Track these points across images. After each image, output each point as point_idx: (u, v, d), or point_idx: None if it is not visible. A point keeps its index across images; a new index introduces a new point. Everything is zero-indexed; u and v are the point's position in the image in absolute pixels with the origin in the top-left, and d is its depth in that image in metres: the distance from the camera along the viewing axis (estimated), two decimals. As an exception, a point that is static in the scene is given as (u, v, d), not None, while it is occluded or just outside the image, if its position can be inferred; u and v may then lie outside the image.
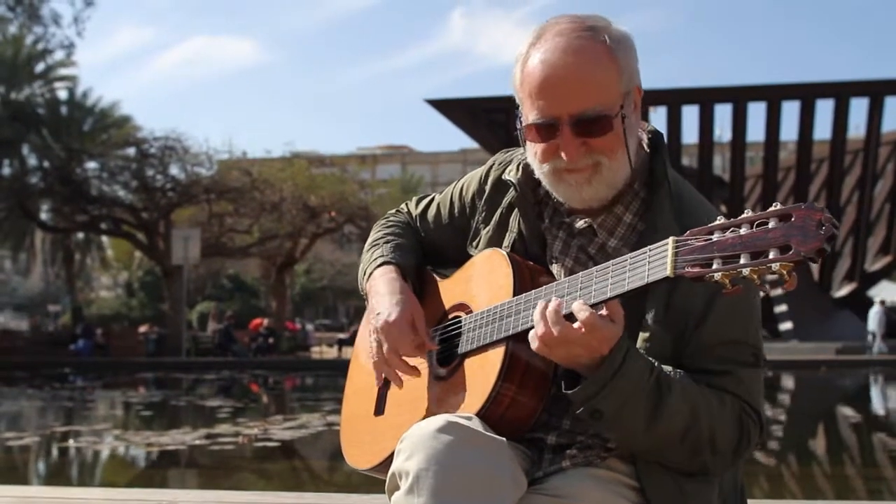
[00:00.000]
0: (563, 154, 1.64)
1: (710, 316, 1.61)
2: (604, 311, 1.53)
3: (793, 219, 1.32)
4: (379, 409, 1.90)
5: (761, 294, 1.52)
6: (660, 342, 1.62)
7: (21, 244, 44.64)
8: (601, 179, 1.66)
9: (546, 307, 1.55)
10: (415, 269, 1.97)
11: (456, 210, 1.97)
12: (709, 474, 1.65)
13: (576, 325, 1.52)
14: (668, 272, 1.41)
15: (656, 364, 1.58)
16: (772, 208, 1.35)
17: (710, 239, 1.38)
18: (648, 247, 1.47)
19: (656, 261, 1.44)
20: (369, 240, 2.04)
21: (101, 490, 3.92)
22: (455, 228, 1.97)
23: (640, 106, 1.71)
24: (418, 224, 2.05)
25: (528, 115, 1.68)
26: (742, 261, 1.33)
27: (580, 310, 1.51)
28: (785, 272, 1.30)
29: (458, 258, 1.92)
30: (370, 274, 1.94)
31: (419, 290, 1.95)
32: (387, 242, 1.98)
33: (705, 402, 1.59)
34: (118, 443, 9.92)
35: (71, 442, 9.80)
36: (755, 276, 1.32)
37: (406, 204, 2.12)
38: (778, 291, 26.78)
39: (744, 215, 1.38)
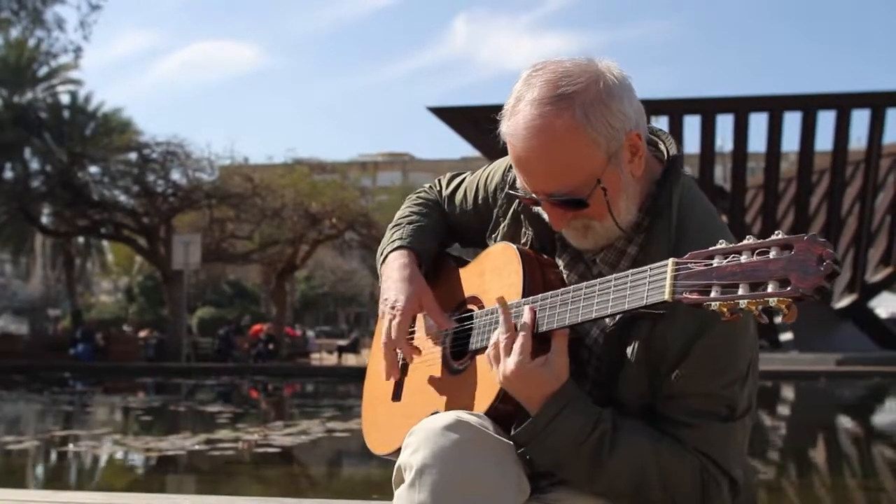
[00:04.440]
0: (551, 222, 1.66)
1: (684, 363, 1.55)
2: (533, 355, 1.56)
3: (794, 251, 1.28)
4: (396, 395, 1.91)
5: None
6: (637, 382, 1.58)
7: (22, 248, 44.69)
8: (596, 236, 1.65)
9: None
10: (434, 253, 1.96)
11: (479, 198, 1.96)
12: None
13: (508, 362, 1.56)
14: (665, 296, 1.38)
15: (605, 419, 1.55)
16: (774, 237, 1.32)
17: (711, 264, 1.35)
18: (650, 266, 1.44)
19: (655, 282, 1.41)
20: (395, 217, 2.03)
21: (101, 494, 3.92)
22: (479, 215, 1.96)
23: (642, 147, 1.63)
24: (445, 205, 2.04)
25: (518, 179, 1.69)
26: (740, 291, 1.30)
27: (504, 357, 1.57)
28: (783, 306, 1.27)
29: (480, 242, 1.92)
30: (385, 256, 1.94)
31: (435, 275, 1.95)
32: (410, 223, 1.97)
33: (657, 462, 1.54)
34: (117, 447, 9.91)
35: (70, 446, 9.79)
36: (753, 308, 1.29)
37: (439, 180, 2.11)
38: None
39: (745, 241, 1.34)
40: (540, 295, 1.62)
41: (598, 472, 1.53)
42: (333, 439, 10.15)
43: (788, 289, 1.26)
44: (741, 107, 25.12)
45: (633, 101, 1.63)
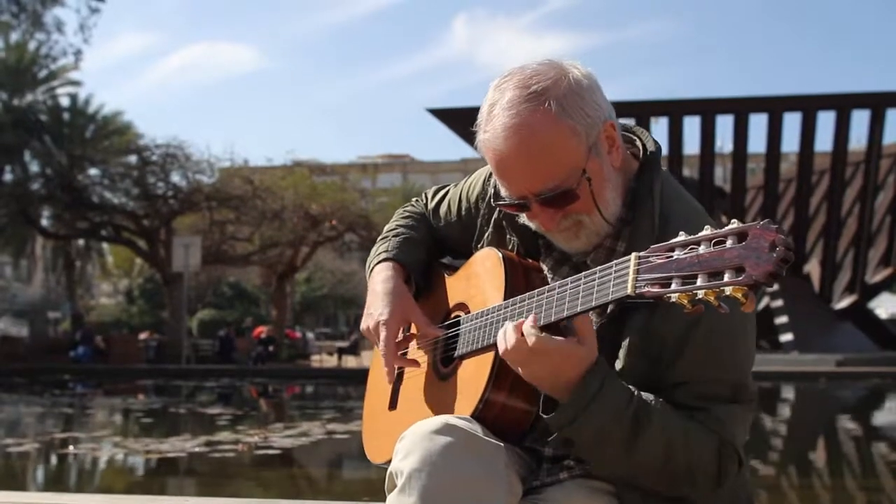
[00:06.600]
0: (541, 225, 1.65)
1: (686, 351, 1.57)
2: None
3: (748, 238, 1.29)
4: (392, 405, 1.93)
5: (757, 308, 1.44)
6: (635, 371, 1.58)
7: (22, 251, 44.62)
8: (588, 233, 1.66)
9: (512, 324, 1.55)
10: (422, 265, 1.97)
11: (463, 209, 1.98)
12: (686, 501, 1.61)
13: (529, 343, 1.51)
14: (628, 290, 1.38)
15: (636, 392, 1.55)
16: (729, 226, 1.32)
17: (671, 256, 1.35)
18: (614, 261, 1.45)
19: (620, 277, 1.42)
20: (384, 230, 2.06)
21: (101, 497, 3.92)
22: (463, 226, 1.97)
23: (617, 138, 1.66)
24: (431, 218, 2.05)
25: (500, 190, 1.69)
26: (699, 282, 1.30)
27: (529, 333, 1.51)
28: (739, 295, 1.26)
29: (468, 253, 1.93)
30: (372, 269, 1.95)
31: (424, 286, 1.96)
32: (396, 236, 1.99)
33: (683, 436, 1.54)
34: (117, 450, 9.90)
35: (70, 448, 9.79)
36: (711, 298, 1.29)
37: (425, 194, 2.12)
38: (779, 303, 26.83)
39: (703, 232, 1.34)
40: (519, 297, 1.63)
41: (636, 443, 1.52)
42: (334, 441, 10.15)
43: (742, 277, 1.26)
44: (741, 107, 25.12)
45: (602, 94, 1.66)
